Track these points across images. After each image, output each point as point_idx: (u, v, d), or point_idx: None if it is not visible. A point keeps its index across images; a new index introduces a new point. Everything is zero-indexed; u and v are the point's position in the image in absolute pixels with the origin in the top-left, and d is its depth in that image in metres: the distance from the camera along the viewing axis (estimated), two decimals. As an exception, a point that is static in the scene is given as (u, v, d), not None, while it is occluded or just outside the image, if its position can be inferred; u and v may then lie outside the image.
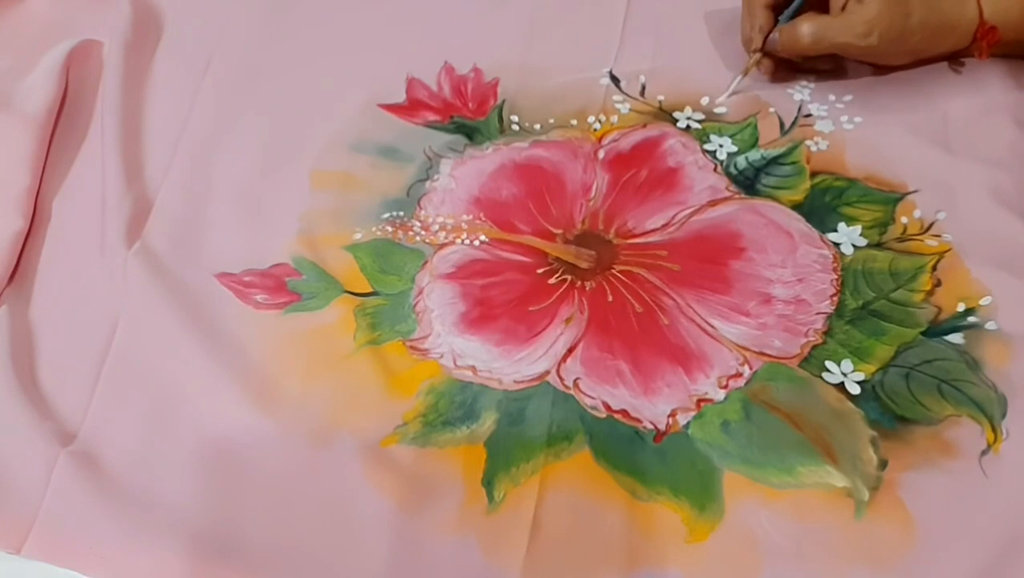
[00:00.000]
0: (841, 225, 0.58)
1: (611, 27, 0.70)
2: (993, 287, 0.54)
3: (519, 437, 0.50)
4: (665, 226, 0.59)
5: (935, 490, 0.47)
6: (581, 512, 0.47)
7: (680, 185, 0.61)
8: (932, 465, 0.48)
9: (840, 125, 0.63)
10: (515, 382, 0.52)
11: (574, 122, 0.64)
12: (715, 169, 0.61)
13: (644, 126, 0.64)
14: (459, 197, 0.61)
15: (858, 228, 0.58)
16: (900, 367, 0.52)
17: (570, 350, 0.53)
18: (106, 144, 0.62)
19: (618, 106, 0.65)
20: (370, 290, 0.57)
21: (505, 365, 0.53)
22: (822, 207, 0.59)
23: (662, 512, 0.47)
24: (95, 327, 0.55)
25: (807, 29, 0.60)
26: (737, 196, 0.60)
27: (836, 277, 0.56)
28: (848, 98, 0.64)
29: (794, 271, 0.56)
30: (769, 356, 0.52)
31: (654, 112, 0.65)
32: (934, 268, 0.55)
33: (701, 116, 0.64)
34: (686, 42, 0.69)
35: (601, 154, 0.63)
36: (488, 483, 0.48)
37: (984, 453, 0.48)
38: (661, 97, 0.65)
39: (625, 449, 0.49)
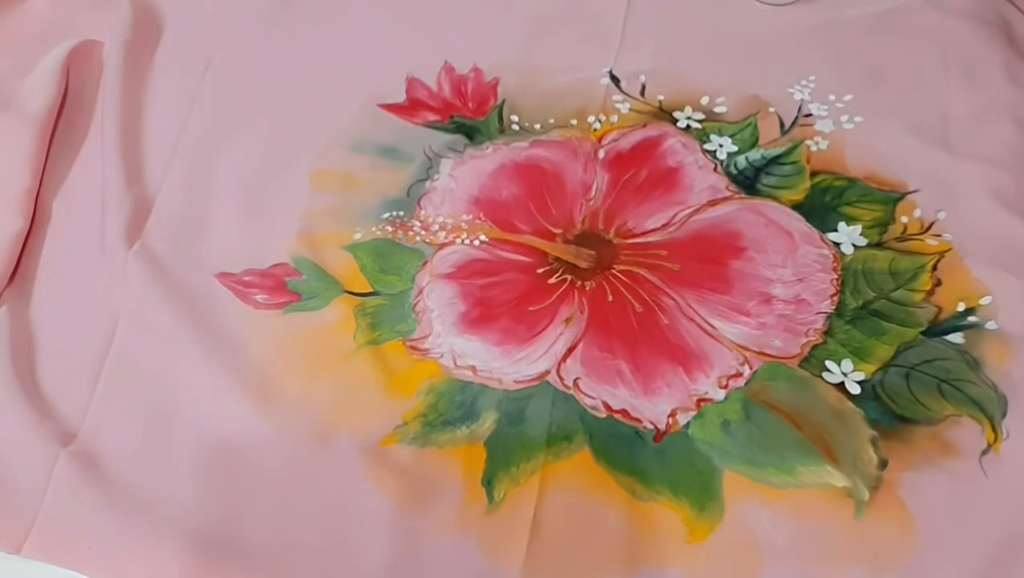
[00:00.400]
0: (841, 225, 0.58)
1: (611, 27, 0.70)
2: (993, 287, 0.54)
3: (519, 437, 0.50)
4: (665, 226, 0.59)
5: (935, 490, 0.47)
6: (581, 512, 0.47)
7: (680, 185, 0.61)
8: (932, 465, 0.48)
9: (840, 125, 0.63)
10: (515, 382, 0.52)
11: (574, 122, 0.64)
12: (715, 169, 0.61)
13: (644, 126, 0.64)
14: (459, 197, 0.61)
15: (858, 228, 0.58)
16: (900, 367, 0.52)
17: (570, 350, 0.53)
18: (106, 144, 0.62)
19: (618, 106, 0.65)
20: (370, 290, 0.57)
21: (505, 365, 0.53)
22: (822, 207, 0.59)
23: (662, 512, 0.47)
24: (95, 327, 0.55)
25: None
26: (737, 196, 0.60)
27: (836, 277, 0.56)
28: (848, 98, 0.64)
29: (794, 271, 0.56)
30: (769, 356, 0.52)
31: (654, 112, 0.65)
32: (934, 268, 0.55)
33: (701, 116, 0.64)
34: (686, 42, 0.69)
35: (601, 154, 0.63)
36: (488, 483, 0.48)
37: (984, 453, 0.48)
38: (661, 97, 0.65)
39: (625, 449, 0.49)
